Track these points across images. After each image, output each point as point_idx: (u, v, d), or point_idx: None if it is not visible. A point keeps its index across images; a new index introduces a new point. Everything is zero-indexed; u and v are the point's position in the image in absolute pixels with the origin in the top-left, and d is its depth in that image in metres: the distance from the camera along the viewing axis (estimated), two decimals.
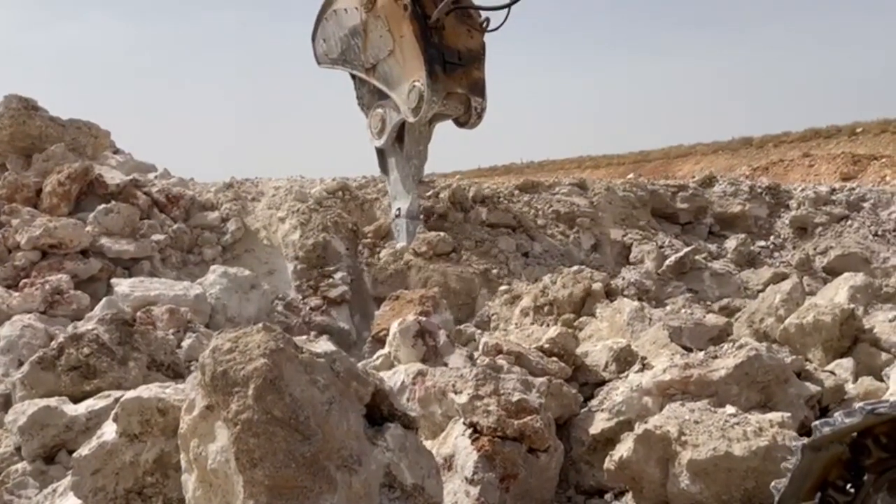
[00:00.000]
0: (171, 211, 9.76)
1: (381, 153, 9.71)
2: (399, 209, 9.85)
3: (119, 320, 5.12)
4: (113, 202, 9.01)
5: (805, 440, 2.72)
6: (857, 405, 2.57)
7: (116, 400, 3.81)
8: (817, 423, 2.66)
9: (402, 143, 8.89)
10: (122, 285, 7.59)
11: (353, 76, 9.22)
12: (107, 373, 4.77)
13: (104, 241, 8.55)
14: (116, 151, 11.85)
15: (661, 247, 10.51)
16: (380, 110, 9.20)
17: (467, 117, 8.50)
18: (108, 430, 3.50)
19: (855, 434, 2.65)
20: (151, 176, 10.99)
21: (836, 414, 2.61)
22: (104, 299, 6.95)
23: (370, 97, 9.17)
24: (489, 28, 7.87)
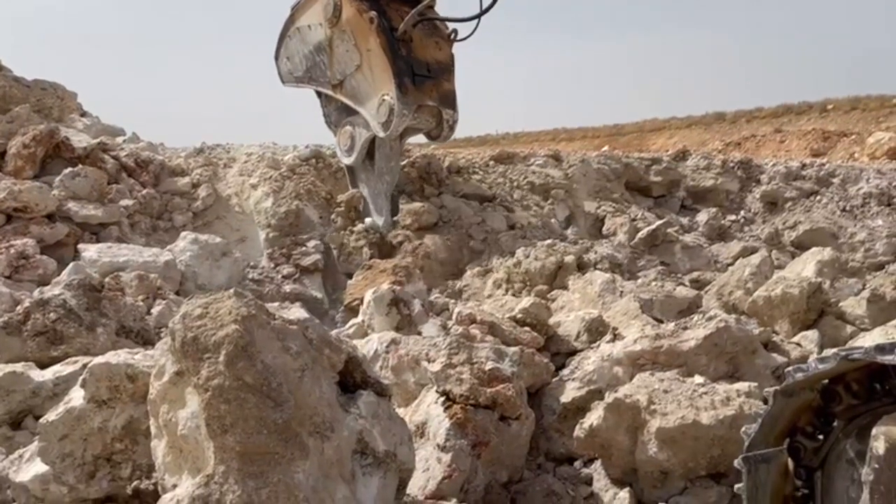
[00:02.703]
0: (141, 176, 9.56)
1: (352, 171, 9.49)
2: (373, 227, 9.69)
3: (87, 286, 5.03)
4: (80, 166, 8.78)
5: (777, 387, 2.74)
6: (832, 351, 2.58)
7: (84, 366, 3.75)
8: (790, 368, 2.67)
9: (373, 160, 8.70)
10: (89, 251, 7.45)
11: (319, 94, 8.93)
12: (74, 338, 4.70)
13: (71, 205, 8.37)
14: (83, 114, 11.56)
15: (633, 220, 10.56)
16: (348, 127, 8.89)
17: (439, 130, 8.29)
18: (76, 396, 3.45)
19: (826, 381, 2.67)
20: (120, 140, 10.73)
21: (810, 360, 2.63)
22: (71, 264, 6.80)
23: (338, 115, 8.89)
24: (457, 38, 7.73)
